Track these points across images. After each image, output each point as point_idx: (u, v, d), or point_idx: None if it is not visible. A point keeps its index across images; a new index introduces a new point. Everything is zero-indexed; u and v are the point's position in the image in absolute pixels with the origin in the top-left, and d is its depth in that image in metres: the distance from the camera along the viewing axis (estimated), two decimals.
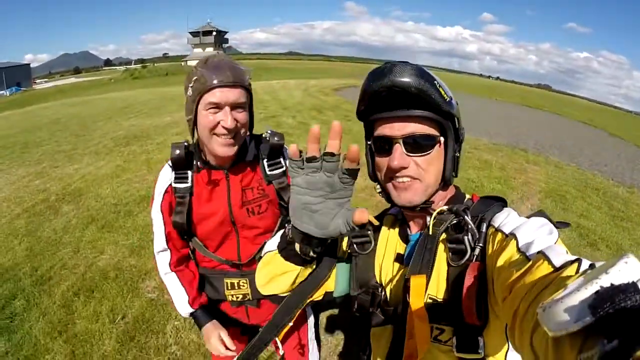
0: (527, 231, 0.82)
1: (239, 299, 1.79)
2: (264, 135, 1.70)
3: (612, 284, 0.40)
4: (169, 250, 1.72)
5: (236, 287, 1.77)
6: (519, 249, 0.79)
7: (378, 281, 1.14)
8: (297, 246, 0.97)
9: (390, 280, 1.11)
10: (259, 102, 13.48)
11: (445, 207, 1.02)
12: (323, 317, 3.34)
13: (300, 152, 0.83)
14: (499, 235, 0.88)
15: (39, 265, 4.29)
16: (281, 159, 1.69)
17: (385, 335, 1.10)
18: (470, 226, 0.93)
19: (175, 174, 1.63)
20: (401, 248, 1.12)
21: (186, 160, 1.61)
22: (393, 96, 0.93)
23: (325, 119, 13.23)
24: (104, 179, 6.92)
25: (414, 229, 1.12)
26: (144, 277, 4.05)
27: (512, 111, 24.83)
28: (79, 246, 4.70)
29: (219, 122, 1.44)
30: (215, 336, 1.73)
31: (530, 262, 0.72)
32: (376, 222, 0.86)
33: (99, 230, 5.07)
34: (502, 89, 57.15)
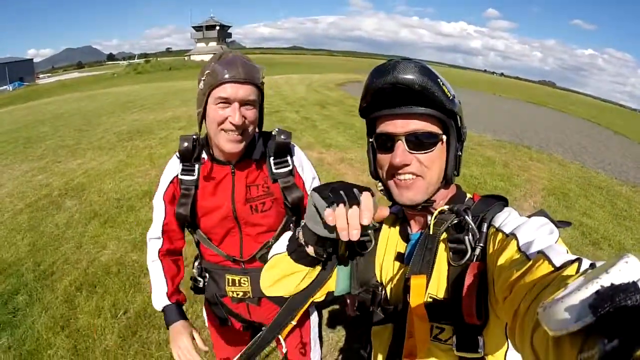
0: (528, 231, 0.82)
1: (239, 296, 1.80)
2: (273, 133, 1.69)
3: (612, 284, 0.40)
4: (161, 239, 1.72)
5: (237, 284, 1.77)
6: (519, 249, 0.79)
7: (378, 280, 1.14)
8: (310, 249, 0.98)
9: (391, 280, 1.11)
10: None
11: (446, 207, 1.01)
12: (325, 312, 3.35)
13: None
14: (500, 235, 0.88)
15: (42, 261, 4.32)
16: (288, 158, 1.69)
17: (385, 333, 1.10)
18: (470, 226, 0.92)
19: (183, 165, 1.63)
20: (402, 247, 1.12)
21: (194, 152, 1.61)
22: (396, 93, 0.93)
23: (328, 114, 13.25)
24: (106, 174, 6.95)
25: (414, 228, 1.12)
26: (146, 272, 4.03)
27: (516, 108, 24.79)
28: (82, 241, 4.72)
29: (227, 118, 1.44)
30: (186, 335, 1.63)
31: (531, 262, 0.72)
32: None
33: (101, 226, 5.09)
34: (507, 85, 57.06)
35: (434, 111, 0.95)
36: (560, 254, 0.68)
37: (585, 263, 0.62)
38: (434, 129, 0.98)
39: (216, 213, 1.65)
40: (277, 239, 1.71)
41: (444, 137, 0.99)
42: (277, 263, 1.09)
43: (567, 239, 5.20)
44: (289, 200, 1.67)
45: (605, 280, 0.41)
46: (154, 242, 1.73)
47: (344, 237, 0.82)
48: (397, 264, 1.11)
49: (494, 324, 0.90)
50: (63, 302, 3.62)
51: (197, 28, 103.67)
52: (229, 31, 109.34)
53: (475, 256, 0.90)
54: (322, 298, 1.17)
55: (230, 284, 1.78)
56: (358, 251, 1.14)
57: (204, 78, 1.46)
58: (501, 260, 0.80)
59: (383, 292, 1.11)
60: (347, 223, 0.81)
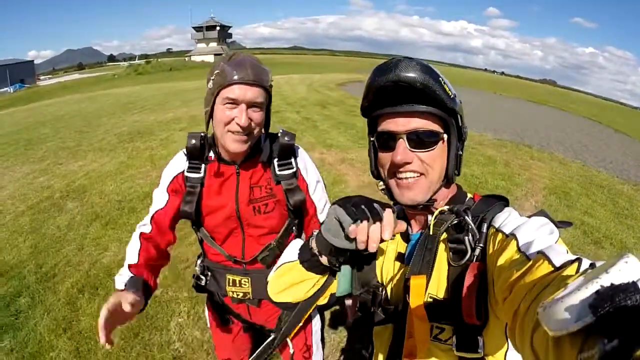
0: (528, 231, 0.82)
1: (239, 297, 1.79)
2: (278, 135, 1.69)
3: (612, 284, 0.40)
4: (150, 227, 1.66)
5: (237, 285, 1.76)
6: (519, 249, 0.79)
7: (379, 280, 1.14)
8: (324, 258, 0.99)
9: (391, 280, 1.11)
10: None
11: (446, 207, 1.01)
12: (327, 313, 3.35)
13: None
14: (500, 236, 0.88)
15: (44, 263, 4.32)
16: (292, 160, 1.69)
17: (386, 334, 1.11)
18: (470, 226, 0.92)
19: (189, 163, 1.63)
20: (402, 247, 1.12)
21: (202, 150, 1.61)
22: (398, 91, 0.94)
23: (329, 114, 13.25)
24: (107, 176, 6.95)
25: (415, 228, 1.12)
26: None
27: (517, 106, 24.77)
28: (83, 243, 4.72)
29: (233, 119, 1.45)
30: (111, 302, 1.28)
31: (531, 262, 0.72)
32: None
33: (103, 227, 5.09)
34: (507, 84, 57.00)
35: (435, 109, 0.96)
36: (560, 254, 0.68)
37: (585, 263, 0.62)
38: (435, 127, 0.98)
39: (220, 212, 1.65)
40: (279, 241, 1.70)
41: (445, 135, 1.00)
42: (287, 271, 1.10)
43: (569, 238, 5.20)
44: (291, 203, 1.67)
45: (605, 280, 0.41)
46: (141, 227, 1.67)
47: (361, 247, 0.86)
48: (398, 264, 1.11)
49: (494, 324, 0.90)
50: (65, 304, 3.62)
51: (198, 28, 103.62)
52: (229, 31, 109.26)
53: (475, 256, 0.91)
54: (326, 300, 1.18)
55: (231, 284, 1.77)
56: (363, 259, 1.15)
57: (213, 77, 1.46)
58: (501, 261, 0.80)
59: (383, 292, 1.12)
60: (368, 237, 0.85)
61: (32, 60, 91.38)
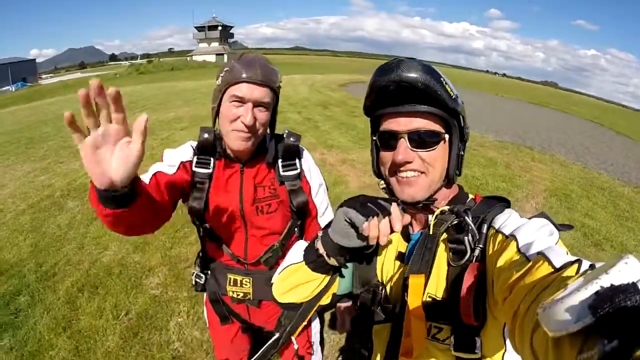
0: (528, 232, 0.82)
1: (239, 297, 1.79)
2: (283, 136, 1.69)
3: (612, 285, 0.40)
4: (149, 180, 1.48)
5: (238, 285, 1.76)
6: (519, 250, 0.79)
7: (380, 279, 1.15)
8: (331, 260, 1.00)
9: (391, 279, 1.12)
10: None
11: (446, 207, 1.02)
12: (327, 314, 3.34)
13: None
14: (500, 237, 0.88)
15: (44, 262, 4.32)
16: (296, 161, 1.69)
17: (385, 332, 1.11)
18: (470, 227, 0.93)
19: (198, 158, 1.61)
20: (402, 246, 1.13)
21: (213, 145, 1.60)
22: (400, 91, 0.95)
23: (330, 114, 13.27)
24: None
25: (415, 228, 1.13)
26: (147, 273, 4.07)
27: (518, 108, 24.78)
28: (84, 242, 4.72)
29: (239, 117, 1.45)
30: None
31: (531, 263, 0.72)
32: None
33: (103, 226, 5.02)
34: (509, 86, 57.04)
35: (436, 110, 0.97)
36: (560, 255, 0.68)
37: (585, 264, 0.63)
38: (437, 127, 0.99)
39: (225, 210, 1.65)
40: (282, 242, 1.70)
41: (447, 136, 1.01)
42: (293, 272, 1.10)
43: (569, 240, 5.20)
44: (294, 204, 1.67)
45: (605, 281, 0.41)
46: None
47: (373, 243, 0.88)
48: (398, 263, 1.12)
49: (492, 325, 0.90)
50: (65, 303, 3.61)
51: (200, 28, 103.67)
52: (231, 31, 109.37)
53: (475, 257, 0.91)
54: (329, 300, 1.18)
55: (231, 284, 1.77)
56: (364, 256, 1.16)
57: (222, 74, 1.48)
58: (501, 262, 0.80)
59: (383, 291, 1.12)
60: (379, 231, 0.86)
61: (34, 59, 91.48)
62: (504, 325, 0.91)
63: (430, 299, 0.98)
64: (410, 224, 1.14)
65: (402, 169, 1.00)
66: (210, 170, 1.61)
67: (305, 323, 1.27)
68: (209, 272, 1.82)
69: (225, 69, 1.47)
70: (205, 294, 1.94)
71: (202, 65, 66.48)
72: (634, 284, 0.39)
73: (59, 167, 7.75)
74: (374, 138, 1.09)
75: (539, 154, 10.46)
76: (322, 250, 1.00)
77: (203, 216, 1.66)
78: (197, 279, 1.85)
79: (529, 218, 0.88)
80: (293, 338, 1.84)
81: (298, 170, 1.68)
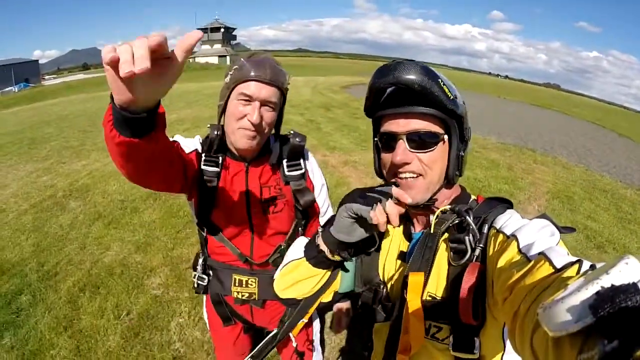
0: (529, 232, 0.82)
1: (244, 297, 1.77)
2: (288, 136, 1.70)
3: (612, 285, 0.40)
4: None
5: (244, 285, 1.75)
6: (519, 250, 0.79)
7: (381, 278, 1.16)
8: (335, 256, 1.01)
9: (392, 277, 1.13)
10: None
11: (448, 207, 1.02)
12: (328, 314, 3.34)
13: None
14: (500, 237, 0.88)
15: (46, 261, 4.33)
16: (301, 161, 1.70)
17: (384, 330, 1.11)
18: (471, 227, 0.93)
19: (205, 155, 1.60)
20: (404, 246, 1.13)
21: (221, 143, 1.60)
22: (398, 93, 0.96)
23: (333, 116, 13.29)
24: (111, 176, 6.95)
25: (417, 227, 1.14)
26: (149, 273, 4.07)
27: (520, 110, 24.78)
28: (85, 242, 4.73)
29: (245, 115, 1.46)
30: None
31: (531, 263, 0.72)
32: None
33: (105, 227, 5.10)
34: (511, 88, 57.01)
35: (435, 111, 0.97)
36: (561, 256, 0.68)
37: (586, 264, 0.63)
38: (436, 128, 0.99)
39: (231, 209, 1.64)
40: (288, 242, 1.70)
41: (446, 137, 1.01)
42: (294, 268, 1.11)
43: (572, 242, 5.19)
44: (300, 203, 1.68)
45: (606, 281, 0.40)
46: None
47: (382, 229, 0.87)
48: (399, 262, 1.12)
49: (491, 325, 0.90)
50: (66, 303, 3.62)
51: (202, 30, 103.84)
52: (233, 33, 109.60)
53: (475, 257, 0.91)
54: (330, 297, 1.19)
55: (236, 284, 1.76)
56: (365, 249, 1.16)
57: (231, 72, 1.48)
58: (501, 262, 0.80)
59: (384, 290, 1.13)
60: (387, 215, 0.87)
61: (37, 60, 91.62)
62: (503, 326, 0.91)
63: (429, 298, 0.98)
64: (412, 223, 1.14)
65: (400, 170, 1.00)
66: (218, 169, 1.61)
67: (305, 320, 1.28)
68: (211, 273, 1.81)
69: (235, 67, 1.47)
70: (205, 297, 1.92)
71: (204, 67, 66.52)
72: (634, 284, 0.39)
73: (61, 167, 7.78)
74: (375, 139, 1.10)
75: (541, 156, 10.45)
76: (323, 247, 1.01)
77: (209, 215, 1.66)
78: (199, 281, 1.82)
79: (530, 219, 0.88)
80: (292, 336, 1.84)
81: (302, 170, 1.69)
